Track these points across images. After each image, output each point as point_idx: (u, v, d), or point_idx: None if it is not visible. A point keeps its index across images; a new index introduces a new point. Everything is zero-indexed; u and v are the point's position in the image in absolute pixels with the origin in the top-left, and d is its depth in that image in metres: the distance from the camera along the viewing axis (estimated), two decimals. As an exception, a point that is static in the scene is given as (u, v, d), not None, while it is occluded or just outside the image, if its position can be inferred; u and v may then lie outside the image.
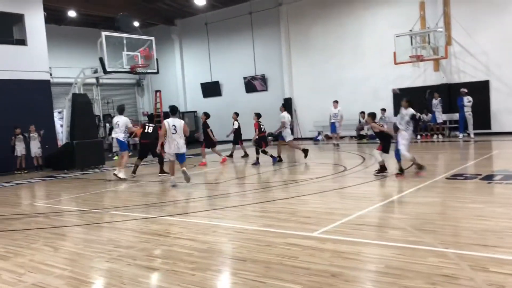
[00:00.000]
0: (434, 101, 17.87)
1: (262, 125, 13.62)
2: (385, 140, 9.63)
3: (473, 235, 5.08)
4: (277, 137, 13.87)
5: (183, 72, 28.04)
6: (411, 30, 17.96)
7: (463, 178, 8.72)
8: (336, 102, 17.63)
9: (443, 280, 3.77)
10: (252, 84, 24.80)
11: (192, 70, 27.65)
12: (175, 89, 28.02)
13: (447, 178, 8.70)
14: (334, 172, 10.96)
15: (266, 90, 24.33)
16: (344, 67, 21.35)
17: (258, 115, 13.86)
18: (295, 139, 22.56)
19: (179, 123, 10.39)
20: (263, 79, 24.33)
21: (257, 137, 13.47)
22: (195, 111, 27.34)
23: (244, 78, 24.90)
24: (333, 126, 17.77)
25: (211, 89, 26.41)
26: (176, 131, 10.16)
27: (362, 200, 7.56)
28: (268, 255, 4.81)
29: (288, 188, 9.33)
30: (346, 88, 20.99)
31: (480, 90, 17.64)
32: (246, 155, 15.61)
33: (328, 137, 21.08)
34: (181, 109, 27.54)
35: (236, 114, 15.80)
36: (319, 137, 21.70)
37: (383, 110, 18.80)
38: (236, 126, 15.51)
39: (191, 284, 4.18)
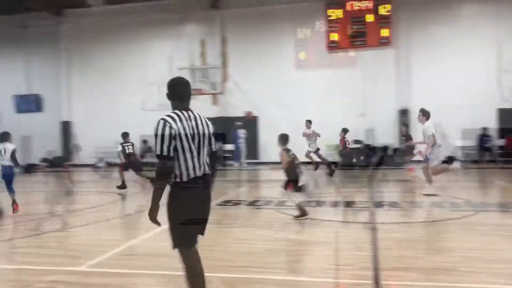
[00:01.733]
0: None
1: None
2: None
3: (235, 257, 5.56)
4: None
5: None
6: (192, 65, 19.07)
7: (232, 204, 9.50)
8: None
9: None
10: (24, 104, 22.40)
11: None
12: None
13: (218, 205, 9.34)
14: (109, 201, 10.62)
15: (41, 111, 22.28)
16: (129, 94, 21.16)
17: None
18: (71, 165, 21.28)
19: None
20: (38, 99, 22.25)
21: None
22: None
23: (15, 96, 22.34)
24: None
25: (-30, 106, 22.84)
26: None
27: (134, 229, 7.52)
28: (24, 297, 4.35)
29: (59, 219, 8.62)
30: (129, 115, 20.74)
31: (250, 125, 19.67)
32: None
33: (109, 164, 20.39)
34: None
35: None
36: (100, 164, 20.81)
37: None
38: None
39: None
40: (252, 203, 9.56)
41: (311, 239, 6.51)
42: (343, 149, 15.47)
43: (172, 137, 3.46)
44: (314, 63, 19.61)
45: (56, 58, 22.09)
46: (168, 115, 3.55)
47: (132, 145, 12.32)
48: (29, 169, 20.61)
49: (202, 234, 3.75)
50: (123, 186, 11.69)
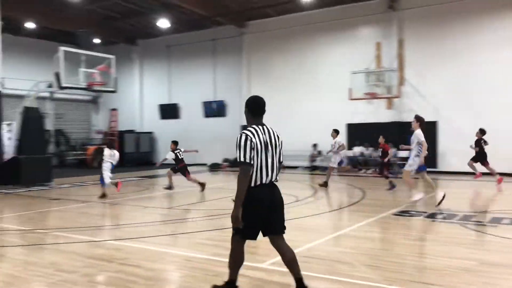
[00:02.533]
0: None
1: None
2: None
3: (415, 272, 5.25)
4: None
5: (141, 92, 27.77)
6: (367, 68, 18.74)
7: (409, 215, 9.01)
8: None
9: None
10: (211, 109, 24.86)
11: (151, 91, 27.45)
12: (131, 108, 27.65)
13: (394, 215, 8.97)
14: (286, 202, 11.03)
15: (224, 116, 24.44)
16: (301, 99, 21.83)
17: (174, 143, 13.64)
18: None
19: None
20: (222, 105, 24.47)
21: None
22: (151, 132, 27.06)
23: (203, 102, 24.95)
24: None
25: (169, 111, 26.24)
26: None
27: (311, 232, 7.66)
28: (215, 286, 4.77)
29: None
30: (301, 119, 21.42)
31: (428, 130, 18.42)
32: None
33: (284, 167, 21.36)
34: (137, 129, 27.19)
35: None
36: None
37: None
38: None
39: (134, 313, 4.07)
40: (432, 216, 8.93)
41: (507, 261, 5.77)
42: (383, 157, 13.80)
43: (251, 148, 4.05)
44: (508, 61, 17.44)
45: (238, 67, 23.98)
46: (248, 129, 4.17)
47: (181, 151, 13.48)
48: (214, 167, 22.84)
49: (281, 232, 4.48)
50: (169, 187, 13.37)
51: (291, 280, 4.90)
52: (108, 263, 5.73)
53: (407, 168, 10.34)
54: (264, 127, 4.29)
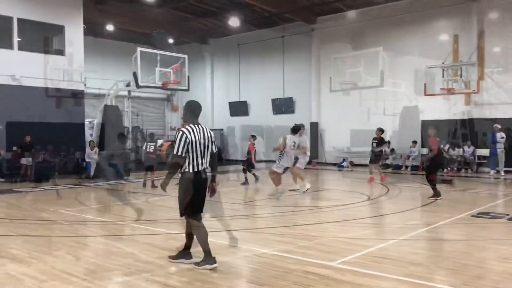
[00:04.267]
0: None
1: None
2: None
3: (496, 277, 4.95)
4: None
5: (212, 90, 28.46)
6: (443, 63, 17.87)
7: (490, 217, 8.50)
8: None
9: (462, 323, 3.69)
10: (279, 106, 24.92)
11: (221, 89, 28.04)
12: (203, 106, 28.10)
13: (473, 216, 8.50)
14: (357, 201, 10.84)
15: (293, 112, 24.40)
16: (373, 96, 21.24)
17: (253, 137, 14.40)
18: (318, 163, 22.59)
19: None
20: (291, 101, 24.44)
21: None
22: (222, 129, 27.65)
23: (273, 99, 25.06)
24: None
25: (238, 108, 26.67)
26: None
27: (384, 232, 7.47)
28: (285, 282, 4.79)
29: (309, 214, 9.28)
30: (373, 117, 20.84)
31: (511, 127, 17.27)
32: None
33: (353, 164, 20.98)
34: (208, 126, 27.87)
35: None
36: (344, 164, 21.54)
37: (414, 142, 18.91)
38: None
39: (206, 305, 4.19)
40: (516, 218, 8.36)
41: None
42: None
43: (186, 143, 5.07)
44: None
45: (307, 64, 23.80)
46: (186, 128, 5.15)
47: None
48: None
49: (202, 210, 5.35)
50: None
51: (363, 280, 4.84)
52: (182, 255, 5.94)
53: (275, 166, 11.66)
54: (199, 126, 5.25)
